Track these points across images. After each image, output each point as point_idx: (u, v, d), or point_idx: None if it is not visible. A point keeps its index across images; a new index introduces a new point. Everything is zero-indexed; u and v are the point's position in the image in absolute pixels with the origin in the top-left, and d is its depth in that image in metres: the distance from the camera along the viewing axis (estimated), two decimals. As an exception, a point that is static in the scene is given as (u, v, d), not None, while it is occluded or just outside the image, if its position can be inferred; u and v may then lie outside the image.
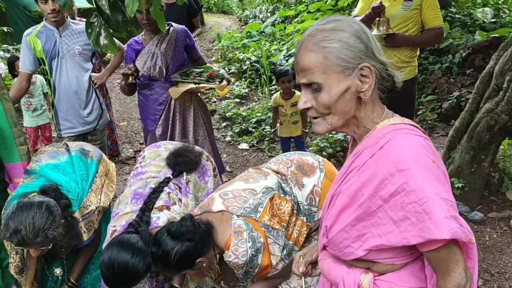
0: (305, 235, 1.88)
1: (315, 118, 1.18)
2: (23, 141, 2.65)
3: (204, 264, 1.81)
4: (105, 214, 2.46)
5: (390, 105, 1.22)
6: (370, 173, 1.12)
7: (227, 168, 4.46)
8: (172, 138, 3.35)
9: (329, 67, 1.11)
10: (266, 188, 1.86)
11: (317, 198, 1.91)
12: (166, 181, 2.17)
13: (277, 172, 1.95)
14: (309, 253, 1.53)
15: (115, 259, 1.76)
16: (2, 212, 2.11)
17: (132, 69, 3.15)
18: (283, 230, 1.80)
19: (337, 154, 4.40)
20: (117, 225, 1.99)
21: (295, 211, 1.86)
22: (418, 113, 4.92)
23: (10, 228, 1.76)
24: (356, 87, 1.12)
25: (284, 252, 1.81)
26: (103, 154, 2.52)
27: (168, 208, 2.05)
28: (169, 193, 2.12)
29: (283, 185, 1.89)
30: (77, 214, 2.08)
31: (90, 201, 2.17)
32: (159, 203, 2.05)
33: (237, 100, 6.29)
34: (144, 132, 3.59)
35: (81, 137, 3.33)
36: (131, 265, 1.76)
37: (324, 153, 4.37)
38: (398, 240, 1.09)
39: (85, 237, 2.13)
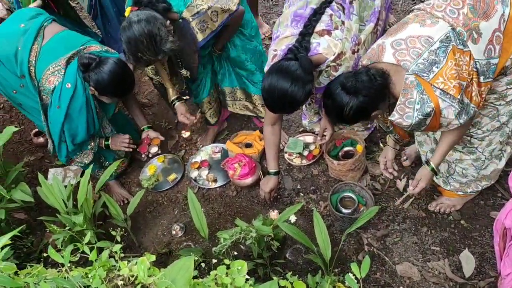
0: (484, 95, 1.62)
1: None
2: None
3: (379, 115, 1.75)
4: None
5: None
6: None
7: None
8: None
9: None
10: (446, 37, 1.53)
11: (498, 46, 1.53)
12: (328, 1, 1.97)
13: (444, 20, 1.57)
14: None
15: (275, 87, 1.80)
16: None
17: None
18: (459, 97, 1.54)
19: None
20: (277, 49, 1.97)
21: (474, 68, 1.56)
22: None
23: (131, 58, 1.98)
24: None
25: (462, 115, 1.58)
26: None
27: (329, 33, 1.92)
28: (331, 15, 1.95)
29: (461, 34, 1.55)
30: (185, 14, 2.08)
31: (202, 0, 2.09)
32: (320, 26, 1.93)
33: None
34: None
35: None
36: (290, 92, 1.80)
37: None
38: None
39: (200, 37, 2.15)
